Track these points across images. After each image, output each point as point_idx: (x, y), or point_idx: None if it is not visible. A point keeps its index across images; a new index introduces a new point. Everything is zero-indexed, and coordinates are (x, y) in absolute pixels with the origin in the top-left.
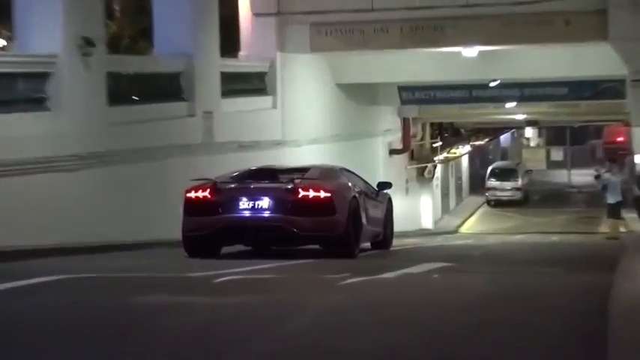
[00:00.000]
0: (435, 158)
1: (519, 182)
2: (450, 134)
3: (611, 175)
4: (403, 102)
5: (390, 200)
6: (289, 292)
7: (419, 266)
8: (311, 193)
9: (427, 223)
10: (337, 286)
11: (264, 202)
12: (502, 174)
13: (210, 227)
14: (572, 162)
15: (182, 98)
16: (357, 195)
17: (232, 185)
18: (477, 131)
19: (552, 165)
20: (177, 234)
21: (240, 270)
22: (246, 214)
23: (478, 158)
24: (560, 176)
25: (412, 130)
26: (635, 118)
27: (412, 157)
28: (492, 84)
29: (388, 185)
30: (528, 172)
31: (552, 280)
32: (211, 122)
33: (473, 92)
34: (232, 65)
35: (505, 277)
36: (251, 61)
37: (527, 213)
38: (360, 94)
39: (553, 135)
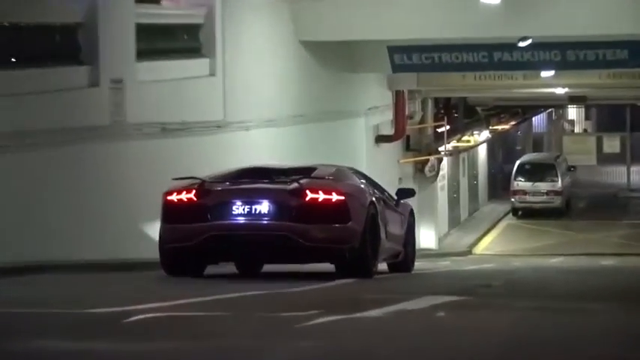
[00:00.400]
0: (439, 149)
1: (559, 183)
2: (462, 115)
3: None
4: (396, 69)
5: (412, 212)
6: (231, 337)
7: (418, 300)
8: (321, 196)
9: (428, 240)
10: (301, 328)
11: (264, 207)
12: (534, 172)
13: (196, 237)
14: (634, 155)
15: (80, 61)
16: (375, 200)
17: (223, 186)
18: (500, 111)
19: (605, 159)
20: (73, 252)
21: (164, 305)
22: (241, 220)
23: (501, 149)
24: (617, 175)
25: (408, 109)
26: None
27: (408, 147)
28: (522, 44)
29: (410, 193)
30: (571, 169)
31: (605, 322)
32: (122, 95)
33: (494, 55)
34: (152, 14)
35: (538, 316)
36: (179, 8)
37: (569, 226)
38: (334, 58)
39: (607, 118)
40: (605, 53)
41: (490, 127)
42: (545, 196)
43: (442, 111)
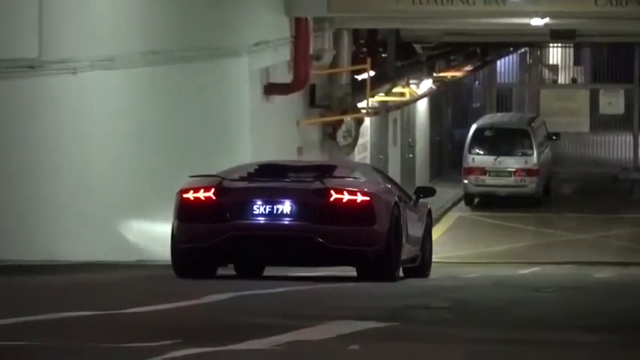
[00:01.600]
0: (359, 105)
1: (534, 159)
2: (393, 56)
3: None
4: None
5: (430, 213)
6: None
7: (321, 327)
8: (346, 196)
9: None
10: None
11: (286, 207)
12: (498, 141)
13: (214, 237)
14: None
15: None
16: (398, 201)
17: (243, 184)
18: (449, 51)
19: (603, 124)
20: None
21: None
22: (262, 220)
23: (451, 107)
24: (618, 147)
25: (314, 47)
26: None
27: (313, 102)
28: None
29: (430, 192)
30: (553, 137)
31: None
32: None
33: None
34: None
35: (500, 353)
36: None
37: (548, 222)
38: None
39: (605, 63)
40: None
41: (435, 75)
42: (513, 178)
43: (364, 49)
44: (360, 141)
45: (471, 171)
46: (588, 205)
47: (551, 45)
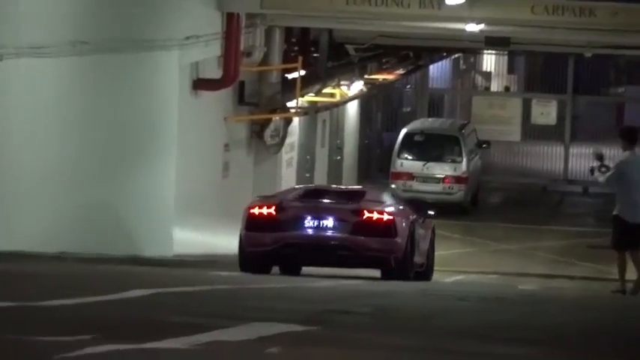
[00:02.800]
0: (289, 104)
1: (463, 166)
2: (325, 56)
3: (621, 165)
4: None
5: (434, 230)
6: None
7: (242, 328)
8: (375, 215)
9: None
10: None
11: (329, 222)
12: (428, 147)
13: (273, 244)
14: (576, 130)
15: None
16: (413, 220)
17: (296, 203)
18: (382, 53)
19: (535, 134)
20: None
21: None
22: (311, 232)
23: (381, 110)
24: (550, 158)
25: (245, 43)
26: None
27: (242, 99)
28: None
29: (432, 215)
30: (483, 145)
31: None
32: None
33: None
34: None
35: None
36: None
37: (475, 231)
38: None
39: (539, 72)
40: None
41: (366, 77)
42: (441, 185)
43: (296, 48)
44: (288, 140)
45: (398, 176)
46: (516, 215)
47: (485, 52)
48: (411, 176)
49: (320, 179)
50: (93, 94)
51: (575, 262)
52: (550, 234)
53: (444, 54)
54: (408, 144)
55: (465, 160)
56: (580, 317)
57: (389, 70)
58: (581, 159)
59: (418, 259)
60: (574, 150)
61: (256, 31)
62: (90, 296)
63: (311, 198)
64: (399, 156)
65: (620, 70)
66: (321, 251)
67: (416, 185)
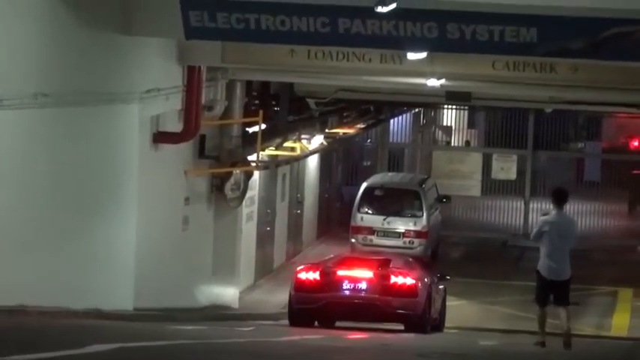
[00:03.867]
0: (249, 158)
1: (423, 221)
2: (286, 110)
3: (543, 223)
4: (191, 33)
5: (445, 291)
6: None
7: None
8: (400, 280)
9: (224, 295)
10: None
11: (363, 285)
12: (388, 201)
13: (317, 302)
14: (536, 185)
15: None
16: (430, 284)
17: (337, 270)
18: (343, 107)
19: (495, 189)
20: None
21: None
22: (347, 293)
23: (342, 165)
24: (510, 213)
25: (206, 96)
26: None
27: (202, 153)
28: (381, 9)
29: (445, 279)
30: (443, 200)
31: None
32: None
33: (339, 24)
34: None
35: None
36: None
37: None
38: (99, 12)
39: (500, 128)
40: (504, 32)
41: (327, 131)
42: (401, 239)
43: (256, 102)
44: (249, 194)
45: (359, 230)
46: (476, 270)
47: (445, 107)
48: (371, 230)
49: (280, 233)
50: (53, 146)
51: (535, 317)
52: (510, 289)
53: (405, 108)
54: (369, 198)
55: (425, 214)
56: None
57: (349, 124)
58: (534, 214)
59: (434, 314)
60: (534, 205)
61: (217, 85)
62: (51, 351)
63: (347, 265)
64: (359, 210)
65: (580, 125)
66: (355, 309)
67: (376, 240)
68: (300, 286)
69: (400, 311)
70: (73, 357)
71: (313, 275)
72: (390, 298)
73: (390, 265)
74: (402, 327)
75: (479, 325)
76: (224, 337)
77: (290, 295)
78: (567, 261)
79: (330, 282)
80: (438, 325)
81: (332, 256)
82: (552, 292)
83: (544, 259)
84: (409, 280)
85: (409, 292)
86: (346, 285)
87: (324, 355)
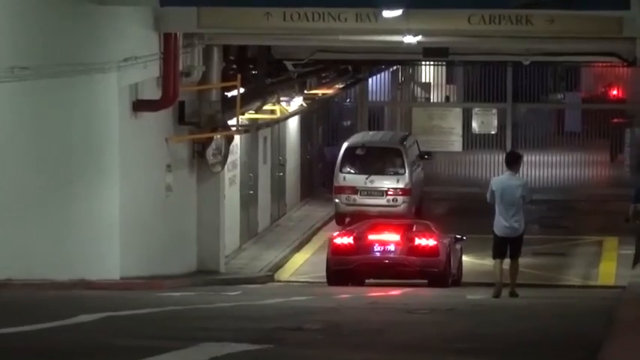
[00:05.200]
0: (230, 122)
1: (406, 178)
2: (264, 73)
3: (492, 183)
4: (165, 0)
5: (461, 250)
6: None
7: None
8: (423, 242)
9: (210, 259)
10: None
11: (390, 247)
12: (370, 160)
13: (351, 264)
14: (517, 137)
15: None
16: (449, 243)
17: (368, 234)
18: (321, 69)
19: (476, 143)
20: None
21: None
22: (378, 255)
23: (322, 125)
24: (492, 167)
25: (183, 63)
26: None
27: (182, 119)
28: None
29: (462, 239)
30: (425, 157)
31: None
32: None
33: None
34: None
35: None
36: None
37: None
38: None
39: (479, 82)
40: None
41: (305, 92)
42: (385, 197)
43: (234, 66)
44: (230, 159)
45: (342, 190)
46: (461, 225)
47: (423, 63)
48: (354, 190)
49: (263, 196)
50: (33, 119)
51: (521, 269)
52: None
53: (383, 66)
54: (350, 158)
55: (407, 172)
56: (533, 325)
57: (328, 85)
58: (523, 166)
59: (453, 271)
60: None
61: (194, 51)
62: (39, 323)
63: (376, 230)
64: (341, 170)
65: (559, 76)
66: (384, 269)
67: (359, 199)
68: (335, 251)
69: (425, 269)
70: (60, 328)
71: (347, 240)
72: (415, 258)
73: (414, 229)
74: (425, 282)
75: (466, 280)
76: (210, 302)
77: (327, 258)
78: (518, 218)
79: (362, 246)
80: (457, 280)
81: (363, 222)
82: (507, 247)
83: (497, 218)
84: (432, 242)
85: (432, 252)
86: (377, 248)
87: (308, 316)
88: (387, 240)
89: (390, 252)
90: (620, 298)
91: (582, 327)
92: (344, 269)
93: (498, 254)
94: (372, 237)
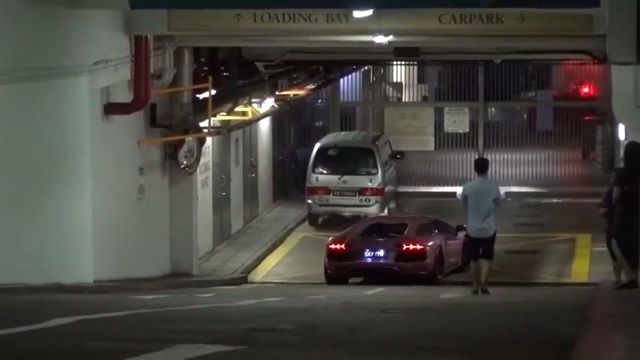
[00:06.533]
0: (201, 124)
1: (378, 178)
2: (235, 75)
3: (464, 189)
4: (135, 3)
5: (466, 235)
6: None
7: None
8: (411, 247)
9: (183, 261)
10: None
11: (380, 252)
12: (342, 160)
13: (345, 269)
14: (489, 136)
15: None
16: (441, 244)
17: (359, 240)
18: (292, 69)
19: (448, 142)
20: None
21: None
22: (369, 260)
23: (294, 126)
24: (464, 165)
25: (154, 65)
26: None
27: (154, 122)
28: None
29: (463, 228)
30: (397, 156)
31: None
32: None
33: None
34: None
35: None
36: None
37: None
38: None
39: (450, 81)
40: None
41: (277, 94)
42: (357, 197)
43: (205, 68)
44: (202, 161)
45: (314, 191)
46: None
47: (394, 63)
48: (327, 190)
49: (236, 198)
50: (4, 124)
51: (494, 267)
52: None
53: (354, 67)
54: (323, 158)
55: (380, 171)
56: (506, 323)
57: (299, 86)
58: (495, 164)
59: (450, 263)
60: (488, 156)
61: (165, 53)
62: (14, 327)
63: (369, 234)
64: (313, 171)
65: (530, 75)
66: (375, 273)
67: (332, 199)
68: (331, 256)
69: (412, 273)
70: (34, 332)
71: (340, 246)
72: (403, 263)
73: (405, 232)
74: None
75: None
76: (183, 304)
77: (325, 262)
78: (490, 220)
79: (354, 251)
80: (460, 268)
81: (359, 223)
82: (476, 248)
83: (470, 220)
84: (419, 246)
85: (419, 256)
86: (367, 253)
87: (282, 317)
88: (376, 246)
89: (379, 258)
90: (593, 295)
91: (555, 325)
92: (338, 274)
93: (473, 255)
94: (362, 243)
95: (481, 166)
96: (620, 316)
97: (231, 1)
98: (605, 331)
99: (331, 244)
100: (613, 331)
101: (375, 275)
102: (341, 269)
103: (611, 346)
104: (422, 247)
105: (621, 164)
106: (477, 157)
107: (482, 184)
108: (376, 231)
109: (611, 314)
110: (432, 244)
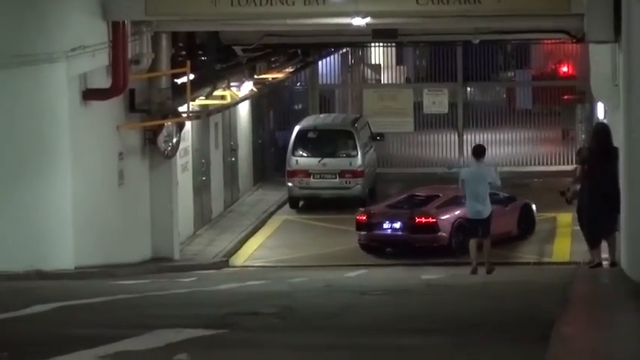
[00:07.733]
0: (180, 109)
1: (358, 160)
2: (214, 59)
3: (461, 173)
4: None
5: (521, 204)
6: None
7: (148, 336)
8: (423, 219)
9: (163, 245)
10: None
11: (397, 224)
12: (322, 143)
13: (363, 239)
14: (469, 116)
15: None
16: (458, 216)
17: (381, 212)
18: (270, 53)
19: (428, 123)
20: None
21: None
22: (388, 232)
23: (273, 110)
24: (444, 146)
25: (132, 50)
26: (593, 27)
27: (133, 107)
28: None
29: (514, 197)
30: (377, 138)
31: None
32: None
33: None
34: None
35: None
36: None
37: None
38: None
39: (428, 62)
40: None
41: (255, 77)
42: (337, 180)
43: (183, 53)
44: (182, 145)
45: (294, 174)
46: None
47: (373, 45)
48: (307, 173)
49: (216, 182)
50: None
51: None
52: None
53: (332, 49)
54: (302, 141)
55: (359, 153)
56: (487, 304)
57: (278, 69)
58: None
59: (501, 231)
60: (468, 136)
61: (143, 38)
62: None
63: (391, 207)
64: (293, 154)
65: (509, 54)
66: (392, 244)
67: (313, 182)
68: (358, 225)
69: (425, 245)
70: (14, 319)
71: (364, 217)
72: (416, 235)
73: (423, 208)
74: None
75: (422, 260)
76: (165, 289)
77: (357, 231)
78: (486, 201)
79: (374, 222)
80: (516, 237)
81: (395, 195)
82: (475, 228)
83: (468, 203)
84: (430, 219)
85: (431, 228)
86: (386, 224)
87: (263, 300)
88: (393, 218)
89: (396, 229)
90: (575, 274)
91: (537, 304)
92: (366, 244)
93: (473, 233)
94: (382, 215)
95: (479, 151)
96: (600, 295)
97: None
98: (586, 310)
99: (358, 215)
100: (594, 310)
101: (391, 246)
102: (363, 240)
103: (592, 324)
104: (434, 219)
105: (585, 144)
106: (456, 137)
107: (479, 168)
108: (408, 202)
109: (591, 293)
110: (447, 217)
